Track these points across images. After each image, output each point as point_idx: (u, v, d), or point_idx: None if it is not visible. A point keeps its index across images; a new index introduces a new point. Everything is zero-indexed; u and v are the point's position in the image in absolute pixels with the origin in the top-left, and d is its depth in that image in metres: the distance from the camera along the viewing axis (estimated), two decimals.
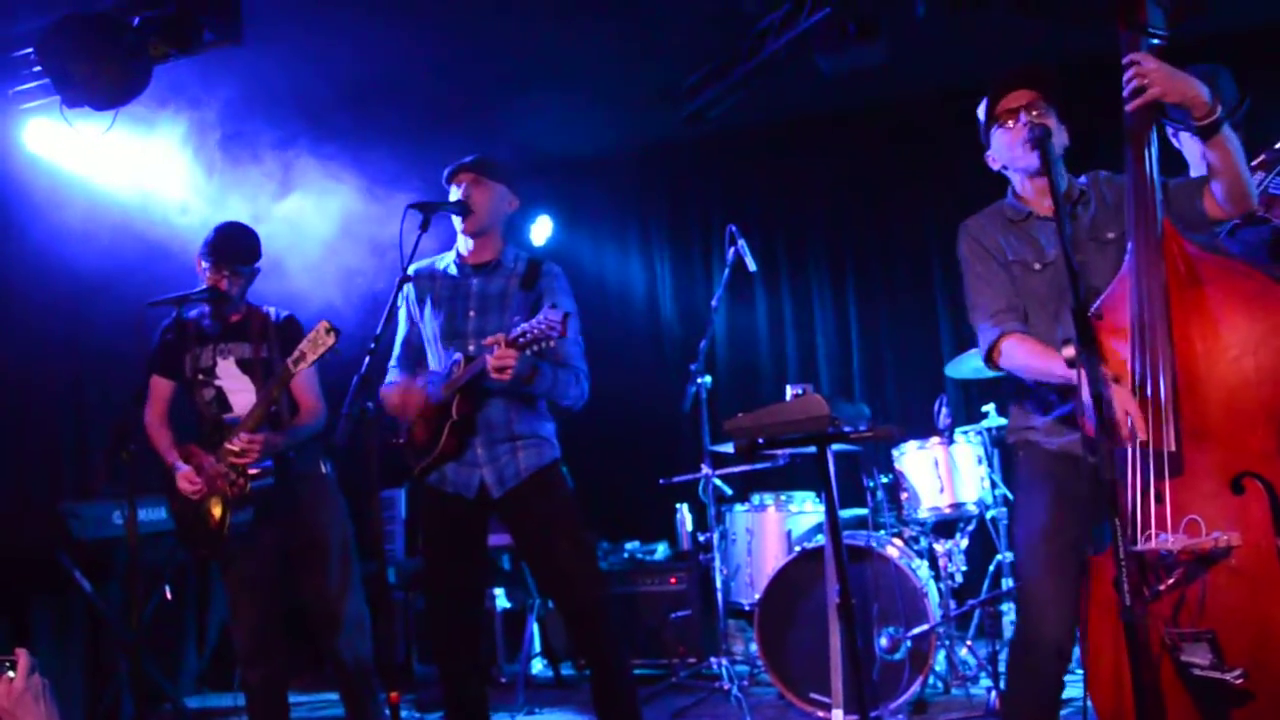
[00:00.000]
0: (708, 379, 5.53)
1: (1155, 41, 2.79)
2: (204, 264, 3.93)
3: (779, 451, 5.07)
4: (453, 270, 3.72)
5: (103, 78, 4.65)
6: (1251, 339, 2.57)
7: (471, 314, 3.63)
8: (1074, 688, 3.47)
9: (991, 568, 5.18)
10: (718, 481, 5.47)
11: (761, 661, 4.84)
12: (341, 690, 3.96)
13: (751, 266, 5.47)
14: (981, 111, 3.06)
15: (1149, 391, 2.59)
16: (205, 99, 5.34)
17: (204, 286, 3.91)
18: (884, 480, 5.15)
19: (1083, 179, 3.04)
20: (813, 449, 3.49)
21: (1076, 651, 2.90)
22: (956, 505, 4.88)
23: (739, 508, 5.49)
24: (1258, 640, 2.46)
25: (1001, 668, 4.52)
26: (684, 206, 7.58)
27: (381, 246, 4.90)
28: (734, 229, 5.46)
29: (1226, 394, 2.58)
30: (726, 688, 5.06)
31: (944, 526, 5.17)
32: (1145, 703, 2.38)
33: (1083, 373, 2.49)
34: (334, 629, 3.84)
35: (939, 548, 4.99)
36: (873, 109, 6.88)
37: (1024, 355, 2.88)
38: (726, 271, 5.54)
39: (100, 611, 5.08)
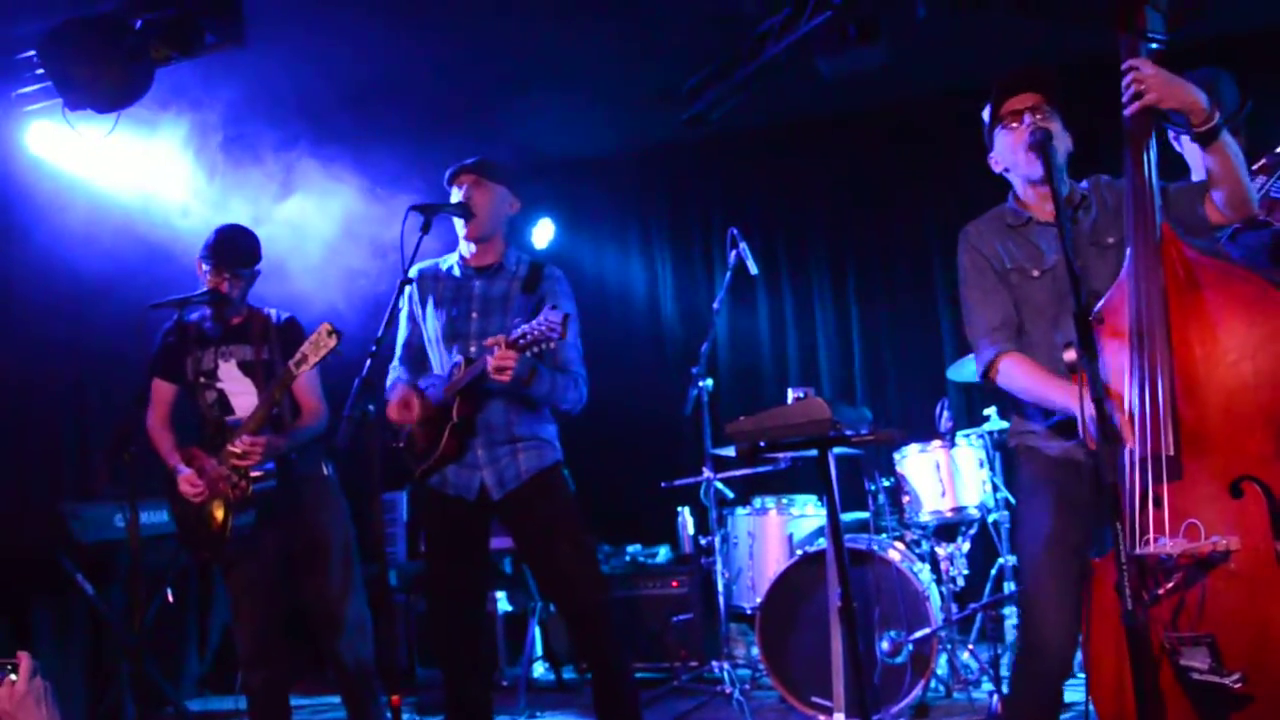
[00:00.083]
0: (709, 382, 5.53)
1: (1154, 46, 2.80)
2: (204, 266, 3.94)
3: (780, 455, 5.06)
4: (456, 271, 3.73)
5: (105, 80, 4.66)
6: (1250, 343, 2.57)
7: (474, 315, 3.63)
8: (1076, 692, 3.47)
9: (993, 571, 5.18)
10: (719, 485, 5.47)
11: (763, 665, 4.84)
12: (343, 693, 3.96)
13: (753, 269, 5.47)
14: (986, 113, 3.06)
15: (1148, 395, 2.58)
16: (207, 101, 5.35)
17: (205, 289, 3.91)
18: (885, 484, 5.15)
19: (1084, 183, 3.04)
20: (814, 452, 3.49)
21: (1078, 656, 2.90)
22: (958, 509, 4.87)
23: (740, 511, 5.48)
24: (1257, 644, 2.46)
25: (1003, 671, 4.52)
26: (685, 209, 7.58)
27: (383, 248, 4.91)
28: (735, 231, 5.46)
29: (1225, 398, 2.58)
30: (728, 691, 5.06)
31: (946, 530, 5.16)
32: (1147, 706, 2.38)
33: (1083, 377, 2.49)
34: (335, 631, 3.84)
35: (941, 551, 4.99)
36: (873, 111, 6.88)
37: (1022, 377, 2.90)
38: (728, 274, 5.54)
39: (102, 614, 5.09)
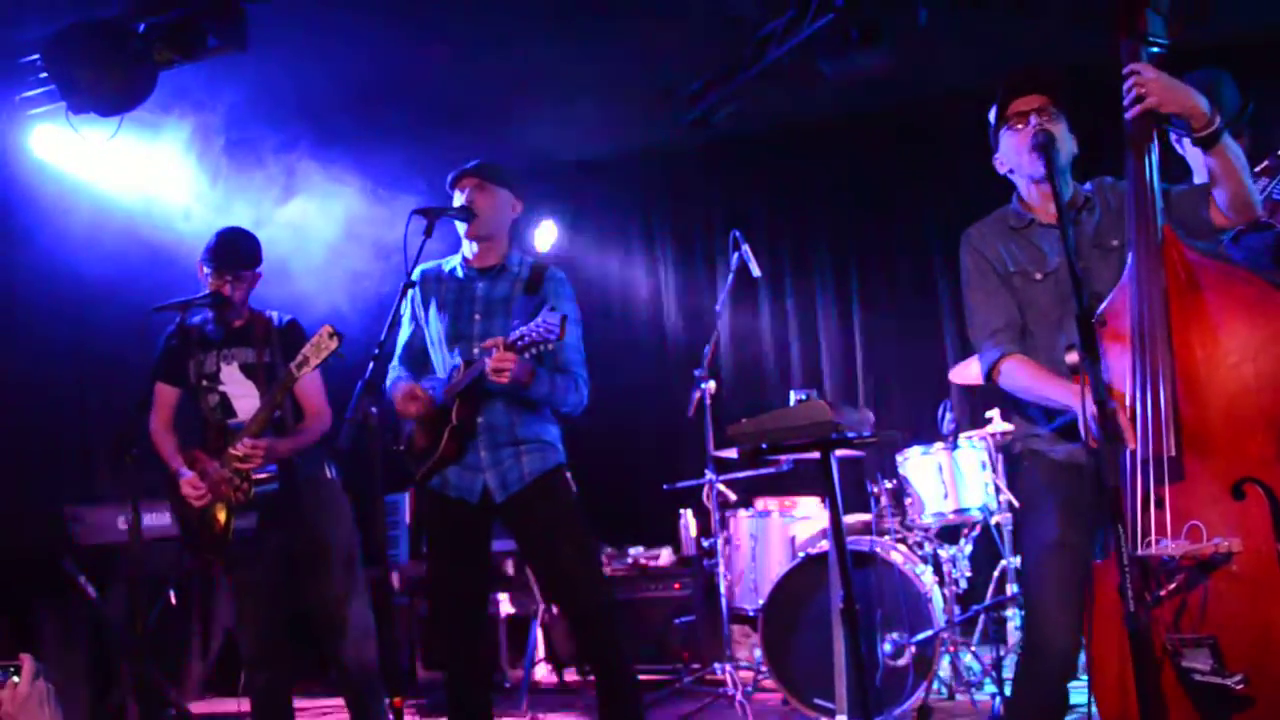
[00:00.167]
0: (711, 384, 5.53)
1: (1155, 50, 2.80)
2: (206, 269, 3.94)
3: (782, 457, 5.08)
4: (459, 273, 3.73)
5: (108, 84, 4.68)
6: (1251, 345, 2.57)
7: (477, 317, 3.63)
8: (1079, 694, 3.47)
9: (996, 573, 5.17)
10: (721, 487, 5.47)
11: (765, 667, 4.84)
12: (345, 695, 3.96)
13: (755, 271, 5.47)
14: (992, 114, 3.07)
15: (1149, 397, 2.59)
16: (210, 104, 5.36)
17: (207, 292, 3.92)
18: (888, 485, 5.15)
19: (1088, 185, 3.04)
20: (816, 454, 3.49)
21: (1081, 658, 2.90)
22: (960, 510, 4.87)
23: (743, 513, 5.49)
24: (1258, 645, 2.45)
25: (1006, 673, 4.52)
26: (688, 211, 7.59)
27: (386, 249, 4.92)
28: (738, 234, 5.46)
29: (1227, 400, 2.58)
30: (731, 693, 5.05)
31: (948, 532, 5.16)
32: (1149, 708, 2.38)
33: (1085, 379, 2.50)
34: (338, 634, 3.84)
35: (943, 553, 4.99)
36: (876, 114, 6.88)
37: (1024, 378, 2.90)
38: (730, 276, 5.55)
39: (104, 616, 5.09)
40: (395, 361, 3.77)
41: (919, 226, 6.89)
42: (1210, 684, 2.45)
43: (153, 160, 5.52)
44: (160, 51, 4.80)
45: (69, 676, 5.27)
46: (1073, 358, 2.55)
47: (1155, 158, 2.75)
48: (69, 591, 5.03)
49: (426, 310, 3.73)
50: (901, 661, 4.49)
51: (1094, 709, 2.67)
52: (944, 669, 4.79)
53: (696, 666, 5.53)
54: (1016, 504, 4.61)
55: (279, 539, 3.83)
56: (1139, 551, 2.53)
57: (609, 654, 3.55)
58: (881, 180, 6.98)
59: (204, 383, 3.93)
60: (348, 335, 3.58)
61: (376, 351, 3.21)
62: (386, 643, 4.03)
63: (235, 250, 3.95)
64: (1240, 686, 2.40)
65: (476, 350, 3.54)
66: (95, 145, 5.10)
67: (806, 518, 5.35)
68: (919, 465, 4.98)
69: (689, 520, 6.09)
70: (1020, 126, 2.96)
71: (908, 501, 5.02)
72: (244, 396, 3.90)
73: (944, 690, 4.87)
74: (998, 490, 4.95)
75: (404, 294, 3.40)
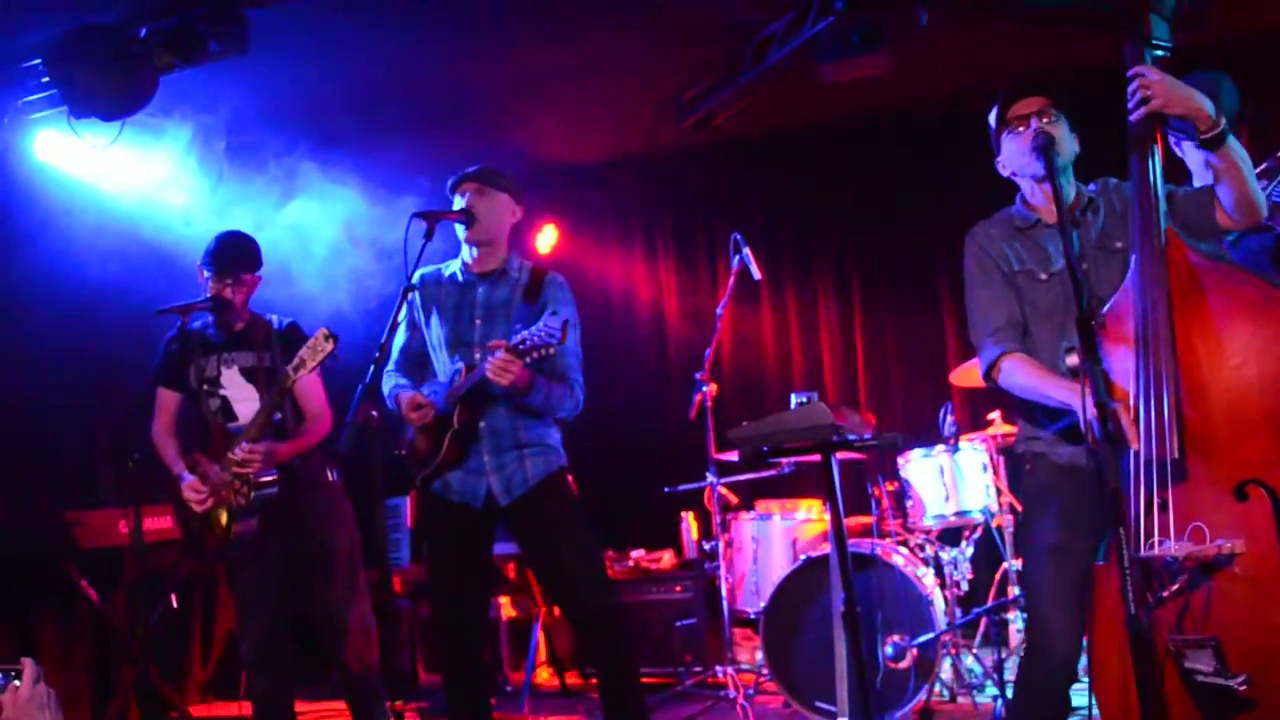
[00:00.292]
0: (712, 387, 5.53)
1: (1159, 53, 2.80)
2: (206, 273, 3.94)
3: (784, 460, 5.08)
4: (459, 277, 3.73)
5: (109, 88, 4.69)
6: (1254, 347, 2.57)
7: (477, 322, 3.64)
8: (1081, 696, 3.46)
9: (997, 575, 5.17)
10: (723, 489, 5.47)
11: (767, 670, 4.84)
12: (347, 699, 3.96)
13: (756, 274, 5.47)
14: (992, 118, 3.07)
15: (1152, 399, 2.59)
16: (211, 108, 5.37)
17: (208, 295, 3.92)
18: (889, 488, 5.14)
19: (1092, 186, 3.04)
20: (817, 457, 3.49)
21: (1083, 660, 2.90)
22: (962, 513, 4.87)
23: (744, 516, 5.48)
24: (1261, 647, 2.45)
25: (1007, 676, 4.52)
26: (688, 214, 7.59)
27: (387, 252, 4.92)
28: (738, 237, 5.46)
29: (1230, 402, 2.58)
30: (732, 696, 5.05)
31: (949, 534, 5.15)
32: (1151, 709, 2.38)
33: (1086, 381, 2.50)
34: (340, 637, 3.84)
35: (944, 555, 4.98)
36: (876, 117, 6.89)
37: (1023, 376, 2.90)
38: (731, 279, 5.55)
39: (106, 620, 5.10)
40: (391, 367, 3.75)
41: (920, 229, 6.88)
42: (1213, 685, 2.45)
43: (154, 164, 5.52)
44: (161, 56, 4.80)
45: (71, 680, 5.28)
46: (1072, 360, 2.55)
47: (1159, 160, 2.76)
48: (71, 595, 5.04)
49: (426, 315, 3.73)
50: (903, 664, 4.49)
51: (1095, 711, 2.67)
52: (945, 671, 4.79)
53: (698, 669, 5.52)
54: (1018, 507, 4.61)
55: (281, 542, 3.83)
56: (1142, 553, 2.53)
57: (613, 656, 3.55)
58: (882, 183, 6.98)
59: (205, 387, 3.94)
60: (351, 337, 3.59)
61: (377, 355, 3.21)
62: (388, 646, 4.04)
63: (235, 253, 3.95)
64: (1243, 688, 2.40)
65: (477, 355, 3.55)
66: (96, 149, 5.10)
67: (808, 520, 5.34)
68: (920, 468, 4.98)
69: (690, 523, 6.09)
70: (1021, 129, 2.96)
71: (909, 504, 5.02)
72: (244, 400, 3.91)
73: (945, 693, 4.86)
74: (999, 493, 4.95)
75: (404, 298, 3.41)
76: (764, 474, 5.54)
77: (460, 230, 3.66)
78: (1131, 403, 2.63)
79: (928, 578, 4.69)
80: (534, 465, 3.59)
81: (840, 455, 3.84)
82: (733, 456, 5.18)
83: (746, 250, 5.42)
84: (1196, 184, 3.26)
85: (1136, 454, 2.60)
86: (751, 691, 5.17)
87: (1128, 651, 2.41)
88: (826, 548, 4.68)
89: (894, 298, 6.96)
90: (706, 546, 5.65)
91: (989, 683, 4.78)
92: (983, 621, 5.30)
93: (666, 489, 5.84)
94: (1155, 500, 2.58)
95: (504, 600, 6.16)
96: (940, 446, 4.94)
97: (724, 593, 5.33)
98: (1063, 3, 5.08)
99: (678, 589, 5.79)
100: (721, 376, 7.00)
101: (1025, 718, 3.01)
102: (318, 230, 5.28)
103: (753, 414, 3.59)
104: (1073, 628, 2.81)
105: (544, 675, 6.10)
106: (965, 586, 4.96)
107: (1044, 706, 2.92)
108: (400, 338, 3.77)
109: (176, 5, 4.77)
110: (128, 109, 4.81)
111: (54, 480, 5.61)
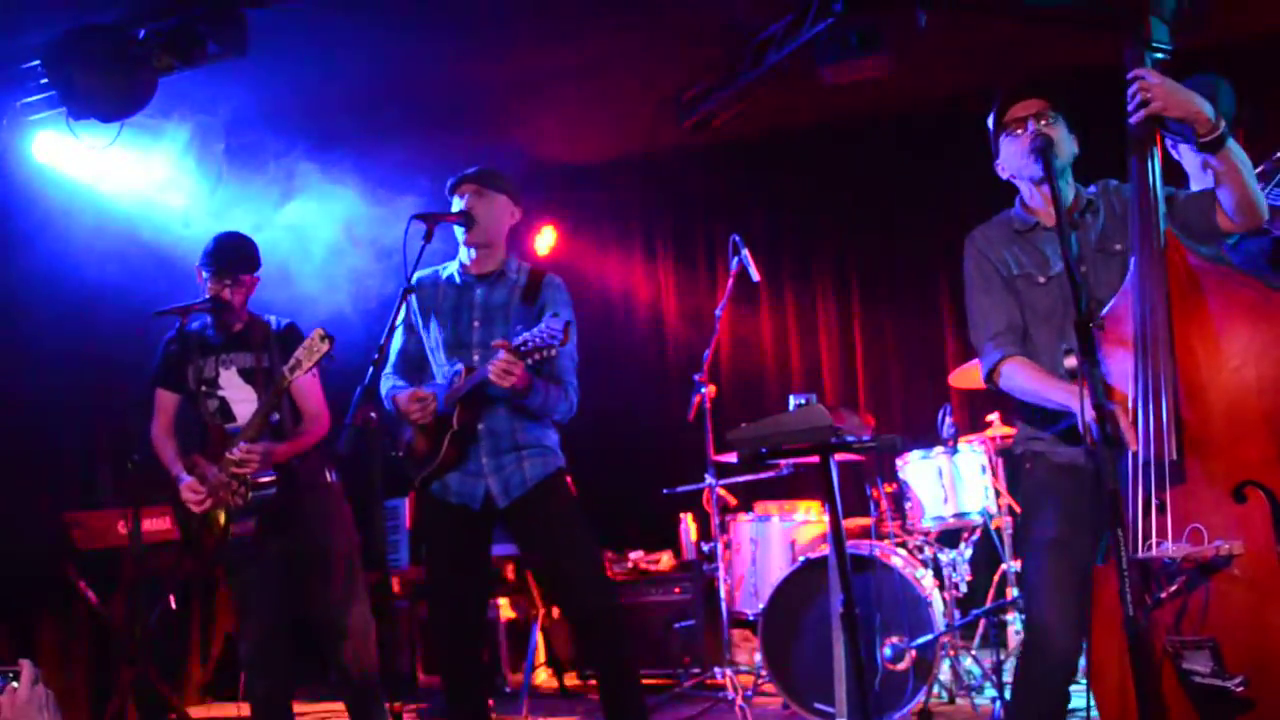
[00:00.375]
0: (711, 388, 5.53)
1: (1159, 55, 2.80)
2: (204, 274, 3.94)
3: (783, 461, 5.08)
4: (457, 279, 3.73)
5: (108, 89, 4.69)
6: (1253, 349, 2.58)
7: (476, 324, 3.64)
8: (1079, 698, 3.46)
9: (996, 577, 5.17)
10: (721, 491, 5.47)
11: (766, 671, 4.84)
12: (346, 700, 3.96)
13: (755, 276, 5.47)
14: (991, 120, 3.07)
15: (1151, 401, 2.59)
16: (210, 109, 5.37)
17: (207, 297, 3.92)
18: (888, 490, 5.14)
19: (1092, 188, 3.04)
20: (816, 459, 3.49)
21: (1081, 661, 2.90)
22: (960, 514, 4.87)
23: (743, 517, 5.48)
24: (1259, 648, 2.46)
25: (1006, 677, 4.52)
26: (687, 215, 7.59)
27: (387, 252, 4.91)
28: (737, 238, 5.46)
29: (1228, 403, 2.59)
30: (731, 698, 5.05)
31: (948, 536, 5.16)
32: (1149, 710, 2.38)
33: (1084, 384, 2.50)
34: (339, 639, 3.84)
35: (943, 557, 4.98)
36: (875, 118, 6.89)
37: (1023, 379, 2.90)
38: (730, 281, 5.55)
39: (105, 621, 5.09)
40: (389, 369, 3.75)
41: (919, 230, 6.89)
42: (1211, 686, 2.45)
43: (153, 165, 5.52)
44: (160, 57, 4.80)
45: (69, 681, 5.27)
46: (1071, 362, 2.55)
47: (1158, 163, 2.76)
48: (70, 596, 5.04)
49: (425, 317, 3.73)
50: (901, 666, 4.49)
51: (1094, 712, 2.68)
52: (944, 673, 4.79)
53: (696, 671, 5.52)
54: (1017, 508, 4.61)
55: (279, 543, 3.83)
56: (1140, 554, 2.53)
57: (613, 657, 3.55)
58: (881, 184, 6.98)
59: (203, 388, 3.94)
60: (350, 339, 3.59)
61: (376, 356, 3.21)
62: (387, 647, 4.04)
63: (234, 254, 3.95)
64: (1240, 689, 2.41)
65: (475, 357, 3.55)
66: (95, 151, 5.10)
67: (806, 522, 5.34)
68: (919, 469, 4.98)
69: (689, 524, 6.09)
70: (1019, 132, 2.96)
71: (908, 506, 5.02)
72: (243, 401, 3.91)
73: (944, 694, 4.86)
74: (998, 494, 4.95)
75: (403, 300, 3.41)
76: (763, 475, 5.54)
77: (459, 232, 3.66)
78: (1130, 404, 2.63)
79: (926, 579, 4.69)
80: (532, 467, 3.59)
81: (839, 457, 3.85)
82: (731, 458, 5.19)
83: (745, 252, 5.43)
84: (1194, 187, 3.27)
85: (1135, 455, 2.60)
86: (750, 693, 5.17)
87: (1126, 652, 2.41)
88: (825, 549, 4.68)
89: (893, 299, 6.97)
90: (705, 548, 5.65)
91: (988, 684, 4.78)
92: (981, 623, 5.30)
93: (665, 490, 5.84)
94: (1154, 502, 2.58)
95: (503, 601, 6.16)
96: (939, 448, 4.94)
97: (723, 594, 5.33)
98: (1062, 4, 5.08)
99: (676, 590, 5.79)
100: (720, 378, 7.00)
101: (1023, 716, 3.00)
102: (317, 231, 5.28)
103: (751, 415, 3.59)
104: (1071, 625, 2.81)
105: (543, 677, 6.10)
106: (964, 588, 4.96)
107: (1042, 704, 2.91)
108: (397, 340, 3.77)
109: (175, 6, 4.77)
110: (127, 110, 4.81)
111: (53, 481, 5.61)
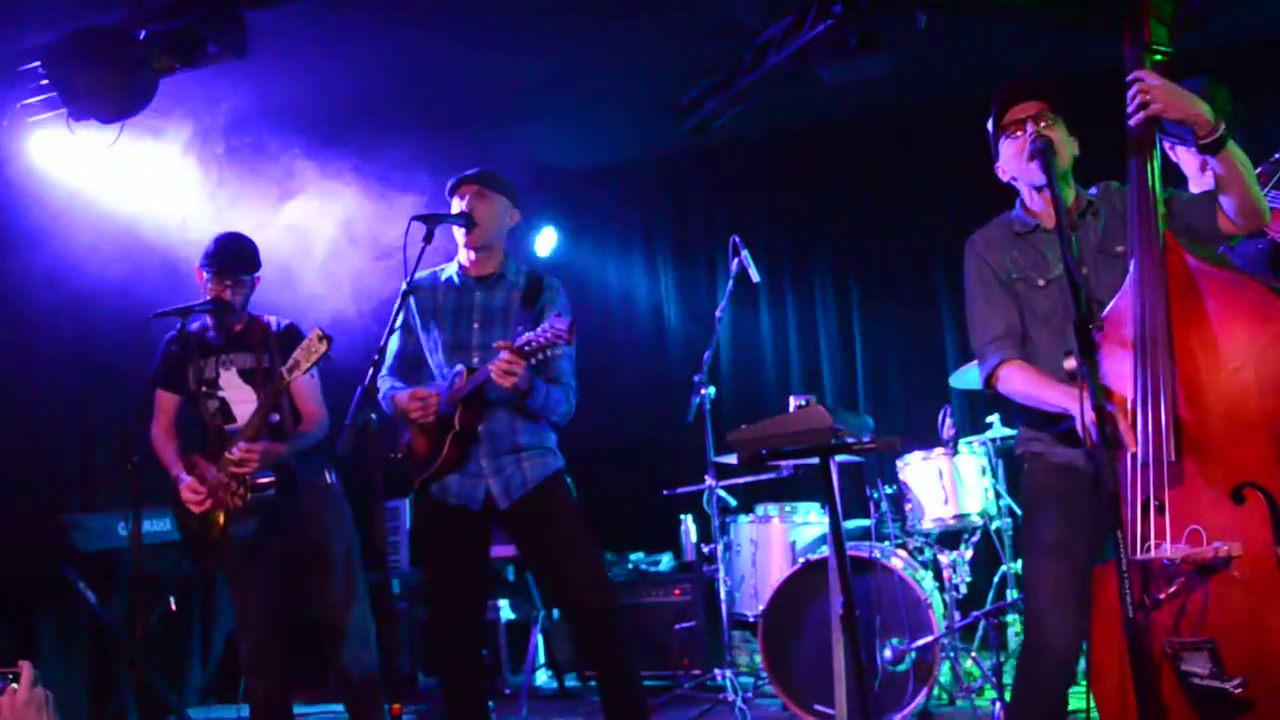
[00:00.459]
0: (711, 390, 5.53)
1: (1158, 58, 2.80)
2: (205, 275, 3.95)
3: (783, 462, 5.07)
4: (456, 281, 3.74)
5: (108, 91, 4.68)
6: (1252, 350, 2.58)
7: (475, 326, 3.64)
8: (1078, 699, 3.47)
9: (996, 579, 5.17)
10: (721, 493, 5.47)
11: (766, 673, 4.84)
12: (346, 702, 3.96)
13: (755, 277, 5.47)
14: (990, 122, 3.07)
15: (1150, 402, 2.59)
16: (210, 110, 5.37)
17: (207, 297, 3.92)
18: (888, 491, 5.14)
19: (1093, 190, 3.04)
20: (816, 460, 3.49)
21: (1081, 662, 2.90)
22: (960, 516, 4.87)
23: (743, 519, 5.48)
24: (1257, 649, 2.46)
25: (1006, 679, 4.51)
26: (688, 217, 7.59)
27: (388, 252, 4.91)
28: (737, 240, 5.47)
29: (1227, 405, 2.59)
30: (731, 699, 5.05)
31: (948, 537, 5.16)
32: (1148, 711, 2.38)
33: (1083, 385, 2.50)
34: (339, 640, 3.84)
35: (943, 559, 4.98)
36: (875, 120, 6.88)
37: (1021, 382, 2.91)
38: (730, 282, 5.55)
39: (104, 623, 5.09)
40: (385, 371, 3.74)
41: (919, 232, 6.89)
42: (1209, 687, 2.45)
43: (153, 166, 5.52)
44: (160, 59, 4.80)
45: (69, 682, 5.27)
46: (1070, 364, 2.55)
47: (1158, 165, 2.76)
48: (70, 598, 5.03)
49: (424, 318, 3.73)
50: (902, 667, 4.49)
51: (1094, 713, 2.68)
52: (944, 675, 4.78)
53: (696, 672, 5.52)
54: (1017, 510, 4.61)
55: (279, 545, 3.83)
56: (1139, 555, 2.53)
57: (614, 658, 3.55)
58: (881, 186, 6.98)
59: (204, 388, 3.94)
60: (351, 339, 3.59)
61: (376, 357, 3.21)
62: (386, 648, 4.04)
63: (234, 255, 3.96)
64: (1239, 690, 2.41)
65: (475, 359, 3.56)
66: (95, 152, 5.10)
67: (806, 523, 5.34)
68: (919, 471, 4.97)
69: (689, 526, 6.08)
70: (1018, 134, 2.96)
71: (908, 507, 5.02)
72: (243, 402, 3.91)
73: (944, 696, 4.86)
74: (998, 496, 4.95)
75: (402, 301, 3.41)
76: (763, 477, 5.54)
77: (459, 234, 3.66)
78: (1129, 406, 2.63)
79: (926, 581, 4.69)
80: (532, 468, 3.60)
81: (839, 458, 3.84)
82: (732, 459, 5.18)
83: (745, 253, 5.43)
84: (1192, 189, 3.27)
85: (1134, 457, 2.61)
86: (750, 695, 5.17)
87: (1126, 653, 2.41)
88: (825, 551, 4.68)
89: (893, 300, 6.96)
90: (705, 549, 5.65)
91: (987, 686, 4.78)
92: (981, 625, 5.29)
93: (665, 492, 5.84)
94: (1153, 503, 2.58)
95: (503, 603, 6.15)
96: (939, 449, 4.94)
97: (723, 596, 5.33)
98: (1062, 5, 5.08)
99: (676, 592, 5.79)
100: (720, 379, 7.00)
101: (1023, 717, 3.00)
102: (317, 231, 5.28)
103: (751, 417, 3.59)
104: (1071, 626, 2.81)
105: (543, 678, 6.09)
106: (964, 590, 4.96)
107: (1041, 705, 2.92)
108: (395, 342, 3.76)
109: (176, 7, 4.77)
110: (127, 111, 4.81)
111: (52, 483, 5.61)
